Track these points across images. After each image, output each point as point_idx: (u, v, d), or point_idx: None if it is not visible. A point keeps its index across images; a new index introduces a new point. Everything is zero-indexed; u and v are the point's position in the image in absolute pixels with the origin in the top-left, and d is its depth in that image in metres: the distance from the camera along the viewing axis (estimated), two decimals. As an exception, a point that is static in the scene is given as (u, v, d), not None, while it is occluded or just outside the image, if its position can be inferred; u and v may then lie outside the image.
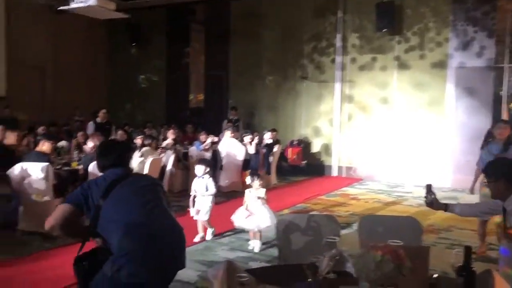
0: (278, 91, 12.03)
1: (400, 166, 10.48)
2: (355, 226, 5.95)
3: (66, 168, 6.29)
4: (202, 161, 5.87)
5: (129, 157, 3.03)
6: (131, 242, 2.47)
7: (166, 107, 13.55)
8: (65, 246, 4.84)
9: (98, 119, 9.52)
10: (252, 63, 12.22)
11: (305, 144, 11.62)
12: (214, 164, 8.90)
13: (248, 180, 5.45)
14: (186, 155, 8.95)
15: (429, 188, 3.01)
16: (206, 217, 5.58)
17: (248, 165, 8.90)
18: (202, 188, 5.54)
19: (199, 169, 5.58)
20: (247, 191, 5.36)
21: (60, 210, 2.57)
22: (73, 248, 2.67)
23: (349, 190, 9.53)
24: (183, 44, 13.48)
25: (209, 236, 5.65)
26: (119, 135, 8.63)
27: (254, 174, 5.56)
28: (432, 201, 2.97)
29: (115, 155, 2.80)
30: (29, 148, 6.65)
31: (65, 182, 5.90)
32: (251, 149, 8.98)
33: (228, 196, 8.41)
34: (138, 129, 10.26)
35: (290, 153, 11.29)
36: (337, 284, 1.89)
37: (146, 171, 6.26)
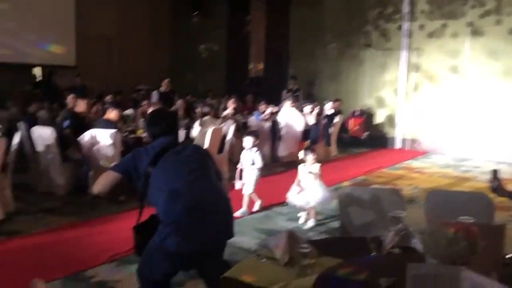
0: (340, 60, 11.69)
1: (468, 139, 9.94)
2: (419, 201, 5.77)
3: (132, 135, 6.51)
4: (250, 133, 5.70)
5: (177, 126, 3.04)
6: (174, 211, 2.48)
7: (226, 77, 13.62)
8: (130, 210, 5.06)
9: (162, 88, 9.74)
10: (313, 31, 11.92)
11: (367, 115, 11.29)
12: (273, 135, 8.89)
13: (301, 154, 5.29)
14: (245, 125, 8.99)
15: (495, 173, 2.82)
16: (250, 190, 5.46)
17: (308, 135, 8.81)
18: (249, 160, 5.41)
19: (247, 141, 5.43)
20: (300, 166, 5.20)
21: (108, 177, 2.65)
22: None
23: (413, 164, 9.20)
24: (244, 13, 13.37)
25: (257, 208, 5.54)
26: (178, 104, 8.79)
27: (307, 149, 5.40)
28: (497, 188, 2.78)
29: (164, 124, 2.81)
30: (98, 116, 6.94)
31: (131, 149, 6.11)
32: (311, 120, 8.86)
33: (287, 166, 8.40)
34: (199, 98, 10.42)
35: (352, 124, 11.03)
36: (403, 259, 1.81)
37: (207, 140, 6.34)
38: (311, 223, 5.09)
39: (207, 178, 2.66)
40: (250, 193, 5.48)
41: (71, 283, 3.54)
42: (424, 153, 10.30)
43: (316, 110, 9.01)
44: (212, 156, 2.91)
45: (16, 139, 5.32)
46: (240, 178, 5.42)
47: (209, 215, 2.54)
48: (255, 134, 5.62)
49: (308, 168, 5.08)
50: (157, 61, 13.43)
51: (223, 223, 2.64)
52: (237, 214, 5.09)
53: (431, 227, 1.83)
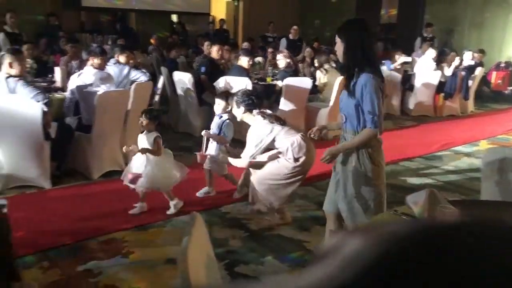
0: (485, 5, 10.48)
1: None
2: None
3: (261, 82, 6.68)
4: (221, 95, 4.28)
5: None
6: None
7: (356, 24, 13.05)
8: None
9: (290, 36, 9.72)
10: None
11: (513, 68, 10.13)
12: (404, 86, 8.45)
13: None
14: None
15: None
16: (222, 171, 4.20)
17: (443, 88, 8.22)
18: (217, 130, 4.14)
19: (218, 105, 4.16)
20: None
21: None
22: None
23: None
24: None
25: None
26: (307, 52, 8.71)
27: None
28: None
29: None
30: (231, 63, 7.20)
31: (260, 96, 6.29)
32: (448, 71, 8.21)
33: (417, 120, 8.00)
34: (326, 46, 10.19)
35: (494, 77, 10.00)
36: None
37: (335, 89, 6.26)
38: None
39: None
40: (223, 175, 4.25)
41: (208, 216, 3.86)
42: None
43: (456, 62, 8.30)
44: None
45: (160, 82, 5.79)
46: (205, 150, 4.10)
47: None
48: (226, 96, 4.15)
49: None
50: (287, 7, 13.33)
51: None
52: (198, 193, 4.25)
53: None
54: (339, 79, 6.31)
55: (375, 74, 2.49)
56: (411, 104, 8.42)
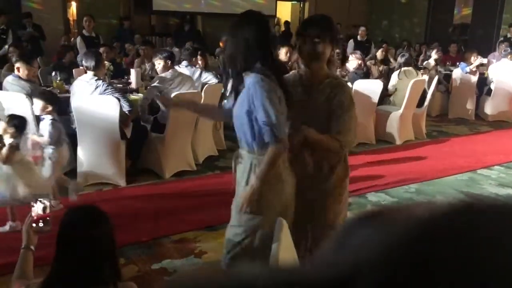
0: None
1: None
2: None
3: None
4: (41, 94, 3.86)
5: None
6: None
7: (427, 24, 12.56)
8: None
9: (358, 37, 9.52)
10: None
11: None
12: (480, 90, 8.00)
13: None
14: (447, 77, 8.27)
15: None
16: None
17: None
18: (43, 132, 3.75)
19: (37, 105, 3.73)
20: None
21: None
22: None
23: None
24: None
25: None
26: (377, 53, 8.47)
27: None
28: None
29: None
30: (298, 65, 7.14)
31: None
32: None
33: (494, 126, 7.55)
34: (395, 48, 9.89)
35: None
36: None
37: (407, 92, 6.03)
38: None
39: None
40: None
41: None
42: None
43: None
44: None
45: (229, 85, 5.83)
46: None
47: None
48: (46, 97, 3.80)
49: None
50: (355, 7, 13.08)
51: None
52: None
53: None
54: (413, 81, 6.08)
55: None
56: (487, 109, 7.96)
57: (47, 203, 1.79)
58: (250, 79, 2.04)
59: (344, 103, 2.21)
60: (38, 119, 3.98)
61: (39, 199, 1.81)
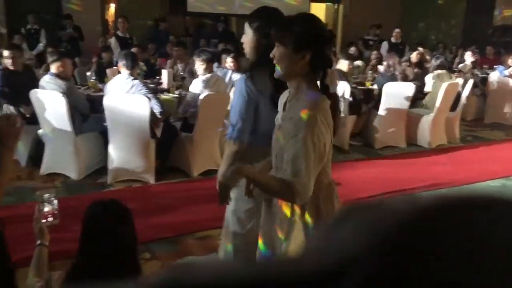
0: None
1: None
2: None
3: (360, 87, 6.51)
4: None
5: None
6: None
7: (464, 26, 12.23)
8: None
9: (392, 39, 9.38)
10: None
11: None
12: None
13: None
14: (484, 80, 8.03)
15: None
16: None
17: None
18: None
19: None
20: None
21: None
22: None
23: None
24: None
25: None
26: (411, 55, 8.32)
27: None
28: None
29: None
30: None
31: (359, 100, 6.14)
32: None
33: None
34: (431, 50, 9.66)
35: None
36: None
37: (440, 95, 5.90)
38: None
39: None
40: None
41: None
42: None
43: None
44: None
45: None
46: None
47: None
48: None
49: None
50: (390, 9, 12.87)
51: None
52: None
53: None
54: (445, 84, 5.95)
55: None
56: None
57: (55, 201, 1.91)
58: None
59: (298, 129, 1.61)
60: (73, 117, 4.15)
61: (47, 199, 1.92)
